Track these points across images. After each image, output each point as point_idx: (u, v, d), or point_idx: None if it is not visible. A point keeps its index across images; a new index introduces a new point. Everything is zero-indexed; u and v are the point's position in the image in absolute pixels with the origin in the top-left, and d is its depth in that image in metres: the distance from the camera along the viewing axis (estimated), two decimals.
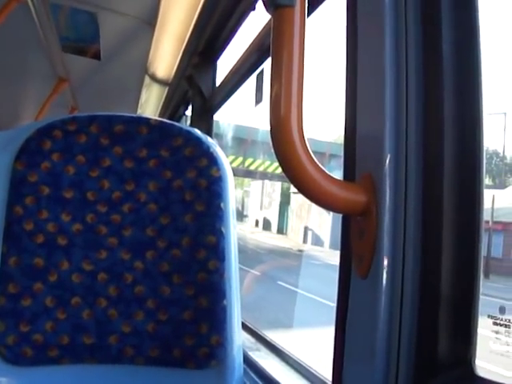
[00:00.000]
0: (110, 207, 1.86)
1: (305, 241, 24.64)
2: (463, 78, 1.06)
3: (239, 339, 1.86)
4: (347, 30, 1.26)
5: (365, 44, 1.20)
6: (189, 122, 4.38)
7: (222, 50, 3.49)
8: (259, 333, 2.90)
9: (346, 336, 1.21)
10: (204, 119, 3.61)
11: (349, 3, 1.26)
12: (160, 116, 5.06)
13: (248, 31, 2.98)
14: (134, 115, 1.95)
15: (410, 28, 1.11)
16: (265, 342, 2.78)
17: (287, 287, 15.65)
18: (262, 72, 2.74)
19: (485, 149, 1.06)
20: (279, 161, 1.14)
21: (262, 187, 32.24)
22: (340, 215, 1.26)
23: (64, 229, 1.83)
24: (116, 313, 1.82)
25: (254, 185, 33.45)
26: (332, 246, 21.11)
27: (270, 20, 1.12)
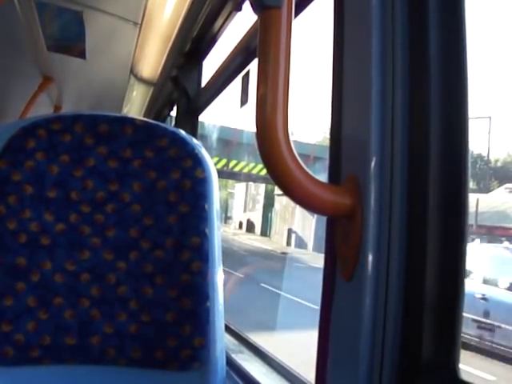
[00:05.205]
0: (94, 207, 1.84)
1: (288, 243, 24.74)
2: (450, 81, 1.06)
3: (222, 341, 1.85)
4: (334, 31, 1.26)
5: (351, 45, 1.20)
6: (174, 122, 4.37)
7: (208, 51, 3.48)
8: (242, 335, 2.89)
9: (329, 339, 1.21)
10: (189, 120, 3.60)
11: (336, 5, 1.25)
12: (145, 116, 5.04)
13: (234, 32, 2.98)
14: (118, 115, 1.94)
15: (397, 29, 1.10)
16: (248, 344, 2.78)
17: (271, 289, 15.66)
18: (247, 73, 2.74)
19: (470, 152, 1.06)
20: (264, 162, 1.14)
21: (246, 189, 32.30)
22: (324, 217, 1.26)
23: (47, 228, 1.81)
24: (98, 313, 1.81)
25: (238, 187, 33.52)
26: (315, 249, 21.20)
27: (257, 21, 1.12)
